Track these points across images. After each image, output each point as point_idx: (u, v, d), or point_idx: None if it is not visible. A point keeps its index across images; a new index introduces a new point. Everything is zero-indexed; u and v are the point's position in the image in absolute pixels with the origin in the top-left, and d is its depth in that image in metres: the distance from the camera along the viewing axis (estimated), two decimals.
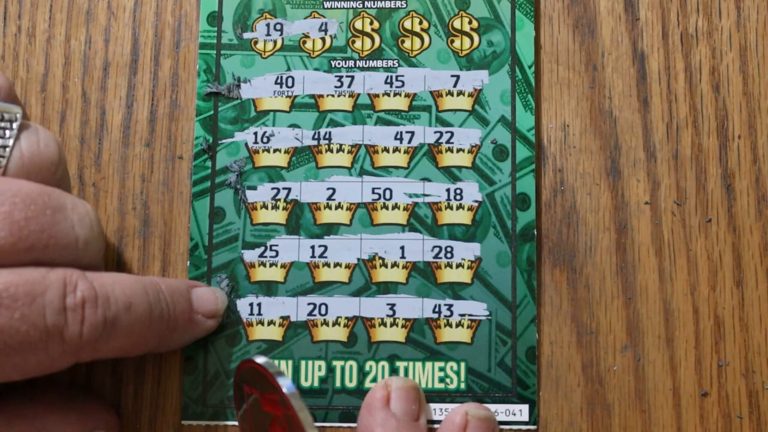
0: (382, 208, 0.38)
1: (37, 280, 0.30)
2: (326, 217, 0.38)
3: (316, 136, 0.39)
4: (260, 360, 0.34)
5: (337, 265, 0.38)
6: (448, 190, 0.38)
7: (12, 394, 0.34)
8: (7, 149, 0.31)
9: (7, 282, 0.30)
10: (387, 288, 0.38)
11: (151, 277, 0.35)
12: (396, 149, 0.39)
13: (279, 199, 0.38)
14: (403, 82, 0.39)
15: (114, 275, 0.33)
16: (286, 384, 0.33)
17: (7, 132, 0.31)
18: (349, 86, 0.39)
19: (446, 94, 0.39)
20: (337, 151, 0.39)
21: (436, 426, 0.37)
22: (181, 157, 0.39)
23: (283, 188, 0.39)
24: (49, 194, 0.31)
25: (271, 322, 0.38)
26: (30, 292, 0.30)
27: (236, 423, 0.37)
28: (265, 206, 0.38)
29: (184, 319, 0.35)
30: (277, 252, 0.38)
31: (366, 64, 0.39)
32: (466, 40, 0.39)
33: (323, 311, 0.38)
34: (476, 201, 0.38)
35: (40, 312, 0.30)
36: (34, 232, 0.30)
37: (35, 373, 0.31)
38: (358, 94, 0.39)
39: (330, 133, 0.39)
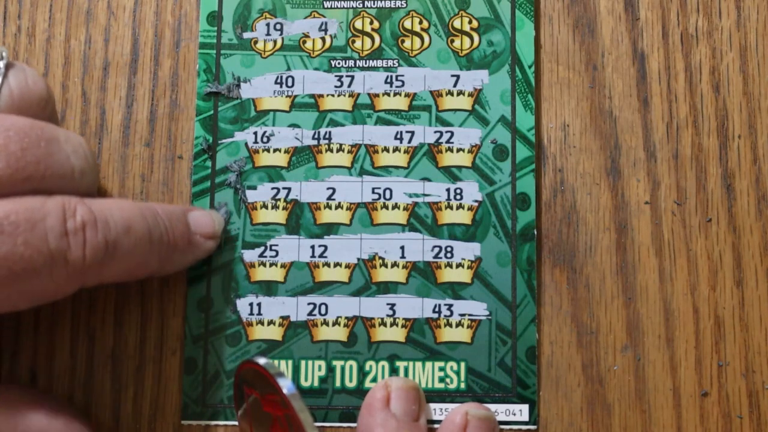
0: (382, 208, 0.38)
1: (37, 206, 0.31)
2: (326, 216, 0.38)
3: (316, 136, 0.39)
4: (261, 361, 0.34)
5: (337, 265, 0.38)
6: (448, 190, 0.38)
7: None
8: None
9: (8, 210, 0.30)
10: (387, 288, 0.38)
11: (146, 203, 0.35)
12: (396, 149, 0.39)
13: (279, 199, 0.38)
14: (403, 81, 0.39)
15: (111, 200, 0.33)
16: (286, 385, 0.33)
17: None
18: (349, 86, 0.39)
19: (446, 94, 0.39)
20: (337, 151, 0.39)
21: (436, 426, 0.37)
22: (181, 156, 0.39)
23: (283, 188, 0.39)
24: (41, 127, 0.32)
25: (271, 322, 0.38)
26: (31, 219, 0.30)
27: (236, 423, 0.37)
28: (265, 206, 0.38)
29: (183, 241, 0.36)
30: (277, 252, 0.38)
31: (366, 63, 0.39)
32: (466, 40, 0.39)
33: (323, 311, 0.38)
34: (476, 201, 0.38)
35: (42, 237, 0.30)
36: (31, 163, 0.31)
37: (42, 300, 0.32)
38: (358, 94, 0.39)
39: (330, 132, 0.39)
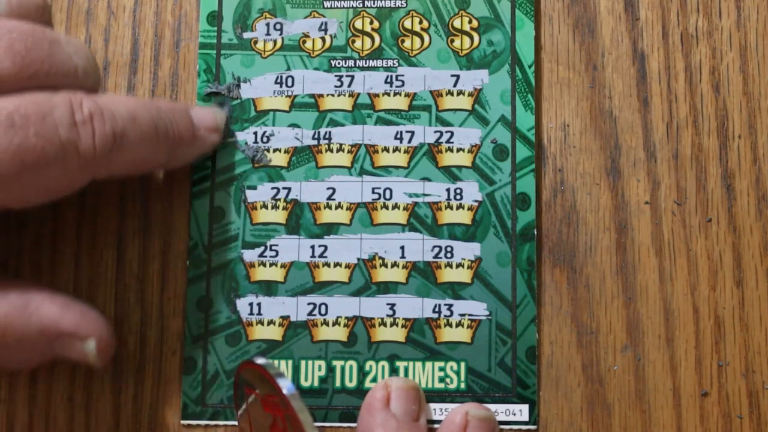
0: (382, 208, 0.38)
1: (45, 100, 0.32)
2: (326, 216, 0.38)
3: (316, 136, 0.39)
4: (260, 361, 0.34)
5: (337, 264, 0.38)
6: (448, 190, 0.38)
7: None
8: None
9: (17, 104, 0.31)
10: (387, 288, 0.38)
11: (148, 99, 0.37)
12: (396, 149, 0.39)
13: (279, 199, 0.38)
14: (403, 81, 0.39)
15: (113, 95, 0.35)
16: (286, 385, 0.33)
17: None
18: (349, 86, 0.39)
19: (446, 94, 0.39)
20: (337, 151, 0.39)
21: (436, 426, 0.37)
22: None
23: (283, 188, 0.39)
24: (43, 30, 0.33)
25: (270, 322, 0.38)
26: (40, 111, 0.32)
27: (236, 423, 0.37)
28: (265, 206, 0.38)
29: (188, 134, 0.36)
30: (277, 252, 0.38)
31: (366, 63, 0.39)
32: (466, 40, 0.39)
33: (323, 311, 0.38)
34: (476, 201, 0.38)
35: (53, 128, 0.32)
36: (35, 61, 0.32)
37: (56, 194, 0.33)
38: (358, 94, 0.39)
39: (330, 132, 0.39)
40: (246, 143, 0.39)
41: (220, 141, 0.38)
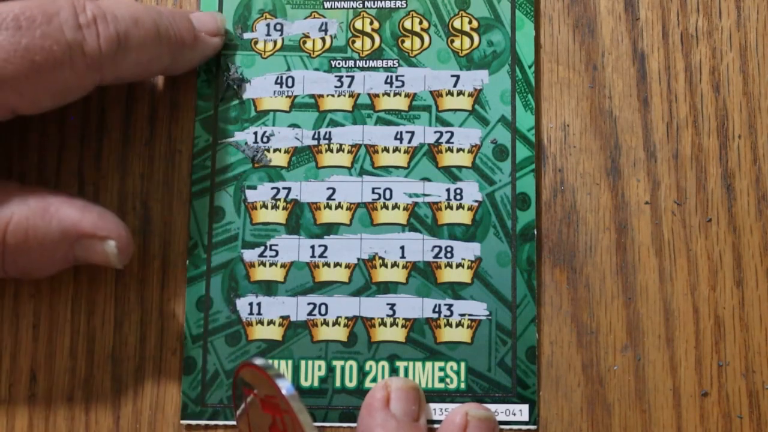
0: (382, 208, 0.38)
1: (48, 3, 0.33)
2: (326, 216, 0.38)
3: (316, 136, 0.39)
4: (259, 362, 0.34)
5: (337, 264, 0.38)
6: (448, 190, 0.38)
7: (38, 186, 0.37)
8: None
9: (22, 6, 0.33)
10: (387, 288, 0.38)
11: (148, 4, 0.37)
12: (396, 149, 0.39)
13: (279, 199, 0.38)
14: (403, 82, 0.39)
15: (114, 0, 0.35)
16: (285, 386, 0.33)
17: None
18: (349, 86, 0.39)
19: (446, 94, 0.39)
20: (337, 151, 0.39)
21: (436, 426, 0.37)
22: (180, 150, 0.39)
23: (283, 188, 0.39)
24: None
25: (270, 322, 0.38)
26: (45, 12, 0.33)
27: (235, 423, 0.37)
28: (265, 206, 0.38)
29: (189, 36, 0.37)
30: (276, 252, 0.38)
31: (366, 64, 0.39)
32: (466, 40, 0.39)
33: (323, 311, 0.38)
34: (476, 201, 0.38)
35: (58, 29, 0.33)
36: None
37: (66, 97, 0.35)
38: (358, 94, 0.39)
39: (330, 133, 0.39)
40: (246, 143, 0.39)
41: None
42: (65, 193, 0.36)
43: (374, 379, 0.37)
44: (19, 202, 0.34)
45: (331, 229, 0.38)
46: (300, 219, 0.38)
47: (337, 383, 0.37)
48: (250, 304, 0.38)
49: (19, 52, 0.32)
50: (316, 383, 0.37)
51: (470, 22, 0.39)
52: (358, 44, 0.39)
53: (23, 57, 0.32)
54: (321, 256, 0.38)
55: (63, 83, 0.34)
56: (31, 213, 0.34)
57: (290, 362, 0.37)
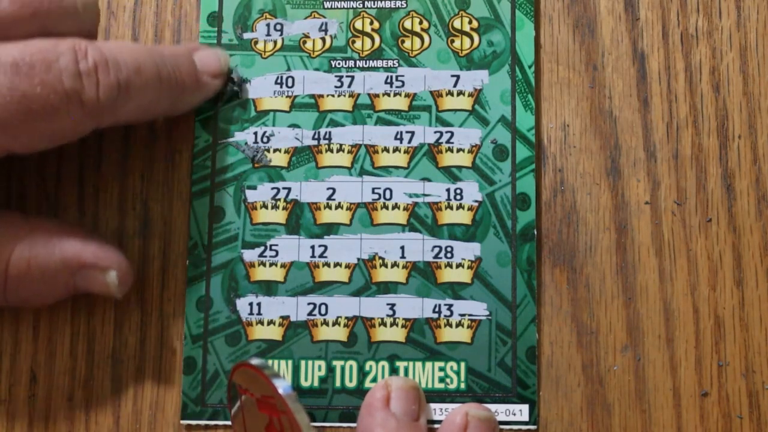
0: (382, 208, 0.38)
1: (49, 48, 0.32)
2: (326, 217, 0.38)
3: (316, 136, 0.39)
4: (256, 362, 0.34)
5: (337, 265, 0.38)
6: (448, 190, 0.38)
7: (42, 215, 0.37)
8: None
9: (22, 51, 0.32)
10: (387, 288, 0.38)
11: (151, 45, 0.37)
12: (396, 149, 0.39)
13: (279, 199, 0.38)
14: (403, 82, 0.39)
15: (118, 42, 0.35)
16: (282, 386, 0.33)
17: None
18: (349, 86, 0.39)
19: (446, 94, 0.39)
20: (337, 151, 0.39)
21: (436, 426, 0.37)
22: (180, 150, 0.39)
23: (283, 188, 0.39)
24: None
25: (270, 322, 0.38)
26: (45, 59, 0.32)
27: (230, 423, 0.37)
28: (265, 206, 0.38)
29: (191, 79, 0.37)
30: (277, 252, 0.38)
31: (366, 64, 0.39)
32: (466, 40, 0.39)
33: (323, 311, 0.38)
34: (476, 201, 0.38)
35: (57, 77, 0.32)
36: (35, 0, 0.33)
37: (62, 139, 0.34)
38: (358, 94, 0.39)
39: (330, 133, 0.39)
40: (246, 143, 0.39)
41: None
42: (66, 223, 0.36)
43: (374, 379, 0.37)
44: (21, 233, 0.34)
45: (331, 229, 0.38)
46: (300, 219, 0.38)
47: (337, 383, 0.37)
48: (250, 304, 0.38)
49: (15, 99, 0.32)
50: (316, 383, 0.37)
51: (470, 22, 0.39)
52: (358, 44, 0.39)
53: (19, 104, 0.32)
54: (321, 256, 0.38)
55: (58, 129, 0.33)
56: (34, 244, 0.34)
57: (290, 362, 0.37)
